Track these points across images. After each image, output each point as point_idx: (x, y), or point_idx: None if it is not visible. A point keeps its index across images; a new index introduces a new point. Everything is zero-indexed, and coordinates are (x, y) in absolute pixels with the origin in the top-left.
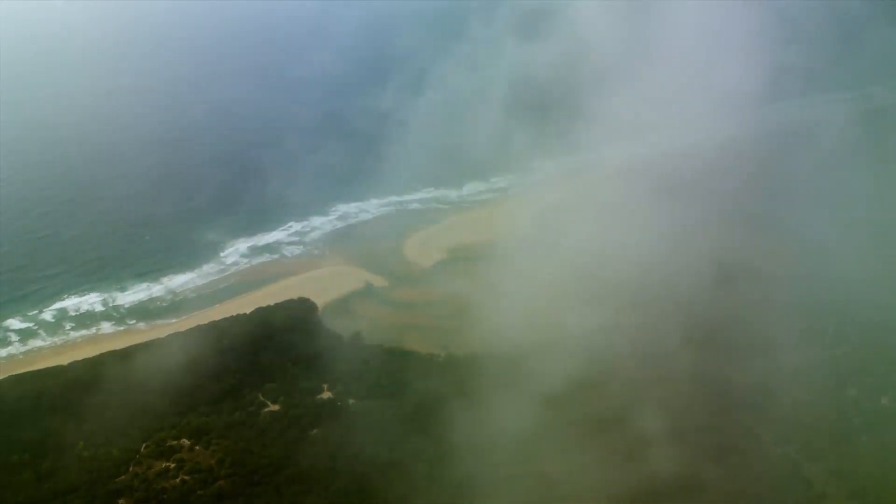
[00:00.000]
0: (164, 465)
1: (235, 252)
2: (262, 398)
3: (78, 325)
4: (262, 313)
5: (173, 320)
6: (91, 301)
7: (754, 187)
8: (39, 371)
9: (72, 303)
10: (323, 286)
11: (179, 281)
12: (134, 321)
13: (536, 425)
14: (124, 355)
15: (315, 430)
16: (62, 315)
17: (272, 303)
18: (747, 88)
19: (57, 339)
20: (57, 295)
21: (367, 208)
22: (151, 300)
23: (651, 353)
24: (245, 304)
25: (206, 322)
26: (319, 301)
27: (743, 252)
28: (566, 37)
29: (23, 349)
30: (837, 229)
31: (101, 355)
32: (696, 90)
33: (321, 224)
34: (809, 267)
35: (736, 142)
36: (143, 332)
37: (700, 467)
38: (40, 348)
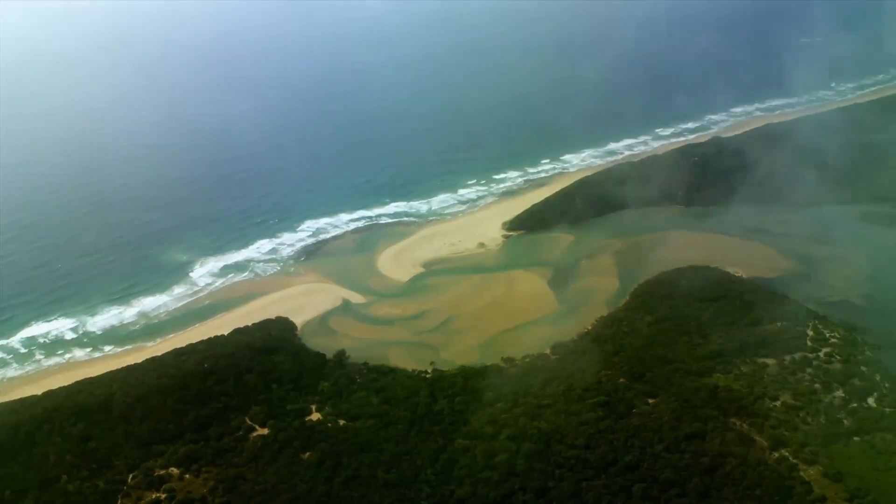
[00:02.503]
0: (154, 496)
1: (206, 272)
2: (249, 422)
3: (49, 352)
4: (241, 334)
5: (149, 344)
6: (60, 327)
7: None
8: (13, 402)
9: (41, 330)
10: (300, 304)
11: (151, 303)
12: (107, 347)
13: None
14: (101, 382)
15: (308, 454)
16: (32, 343)
17: (250, 323)
18: None
19: (29, 368)
20: (25, 323)
21: (337, 224)
22: (124, 324)
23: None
24: (222, 326)
25: (183, 345)
26: (298, 320)
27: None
28: None
29: None
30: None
31: (77, 383)
32: None
33: (291, 241)
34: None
35: None
36: (117, 357)
37: (700, 474)
38: (12, 378)
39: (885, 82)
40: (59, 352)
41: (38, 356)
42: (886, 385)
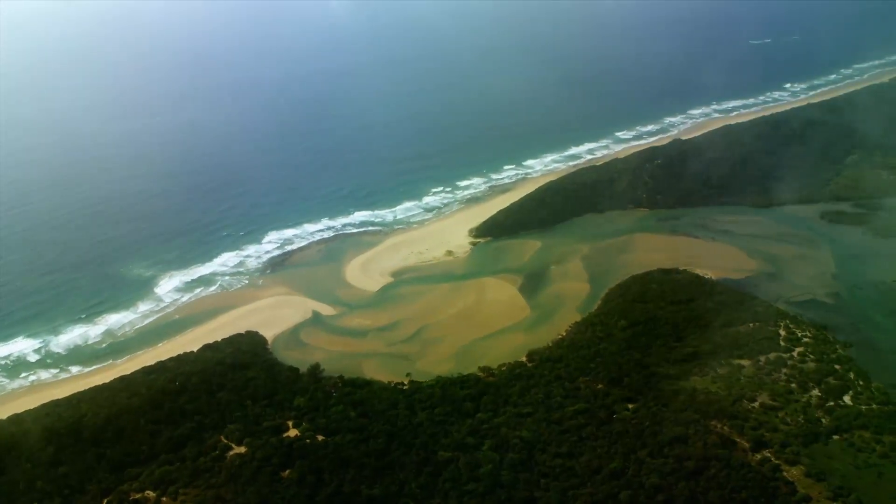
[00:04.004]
0: None
1: (172, 287)
2: (225, 440)
3: (12, 375)
4: (211, 350)
5: (117, 362)
6: (23, 349)
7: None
8: None
9: (2, 352)
10: (268, 318)
11: (117, 321)
12: (74, 367)
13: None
14: (69, 404)
15: (288, 471)
16: None
17: (219, 338)
18: None
19: None
20: None
21: (302, 234)
22: (89, 344)
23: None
24: (190, 342)
25: (152, 362)
26: (268, 334)
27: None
28: None
29: None
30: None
31: (44, 406)
32: None
33: (256, 252)
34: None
35: None
36: (85, 377)
37: (685, 478)
38: None
39: (836, 82)
40: (23, 374)
41: (1, 379)
42: (860, 383)
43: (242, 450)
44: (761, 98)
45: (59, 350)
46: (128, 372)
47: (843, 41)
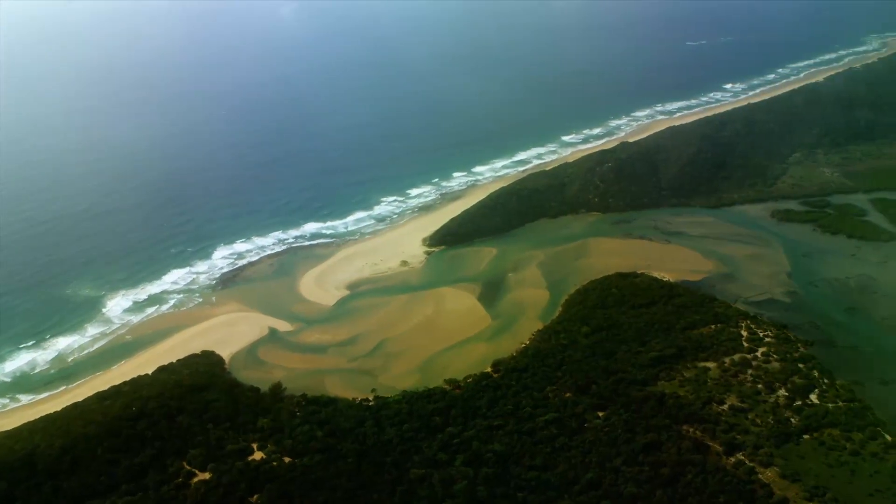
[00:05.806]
0: None
1: (120, 307)
2: (188, 467)
3: None
4: (166, 372)
5: (70, 388)
6: None
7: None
8: None
9: None
10: (224, 336)
11: (66, 345)
12: (22, 395)
13: None
14: (20, 436)
15: (256, 497)
16: None
17: (174, 359)
18: None
19: None
20: None
21: (252, 248)
22: (37, 371)
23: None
24: (144, 364)
25: (105, 387)
26: (224, 353)
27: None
28: None
29: None
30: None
31: None
32: None
33: (206, 269)
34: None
35: None
36: (35, 406)
37: (662, 486)
38: None
39: (774, 82)
40: None
41: None
42: (825, 381)
43: (207, 476)
44: (703, 99)
45: (6, 378)
46: (81, 398)
47: (776, 42)
